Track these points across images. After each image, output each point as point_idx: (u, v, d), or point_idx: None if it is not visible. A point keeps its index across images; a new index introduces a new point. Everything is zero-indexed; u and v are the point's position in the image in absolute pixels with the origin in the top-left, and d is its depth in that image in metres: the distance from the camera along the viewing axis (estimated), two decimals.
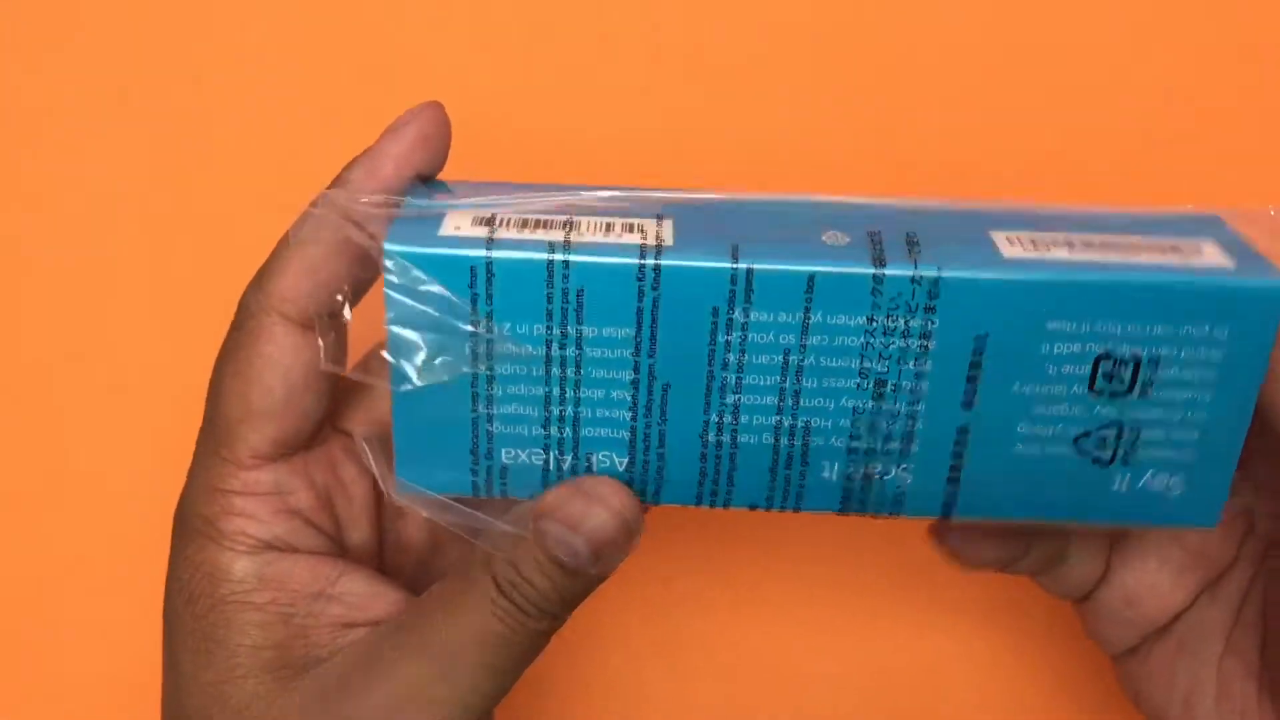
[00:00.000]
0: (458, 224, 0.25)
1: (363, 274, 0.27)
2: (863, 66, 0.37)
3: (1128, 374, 0.25)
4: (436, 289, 0.25)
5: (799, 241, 0.25)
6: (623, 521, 0.26)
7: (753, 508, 0.27)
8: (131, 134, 0.37)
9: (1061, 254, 0.25)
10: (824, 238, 0.25)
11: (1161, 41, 0.37)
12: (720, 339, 0.25)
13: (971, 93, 0.37)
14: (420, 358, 0.25)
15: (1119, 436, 0.26)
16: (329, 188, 0.27)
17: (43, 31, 0.37)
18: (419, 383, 0.25)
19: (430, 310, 0.25)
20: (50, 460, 0.40)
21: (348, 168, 0.27)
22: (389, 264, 0.24)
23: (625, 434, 0.26)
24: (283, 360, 0.27)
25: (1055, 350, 0.25)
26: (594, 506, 0.26)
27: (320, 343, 0.26)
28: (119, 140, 0.38)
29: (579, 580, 0.26)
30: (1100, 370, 0.25)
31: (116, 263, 0.39)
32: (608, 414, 0.26)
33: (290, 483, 0.28)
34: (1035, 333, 0.25)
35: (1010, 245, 0.25)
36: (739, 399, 0.25)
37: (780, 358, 0.25)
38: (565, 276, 0.25)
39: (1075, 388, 0.25)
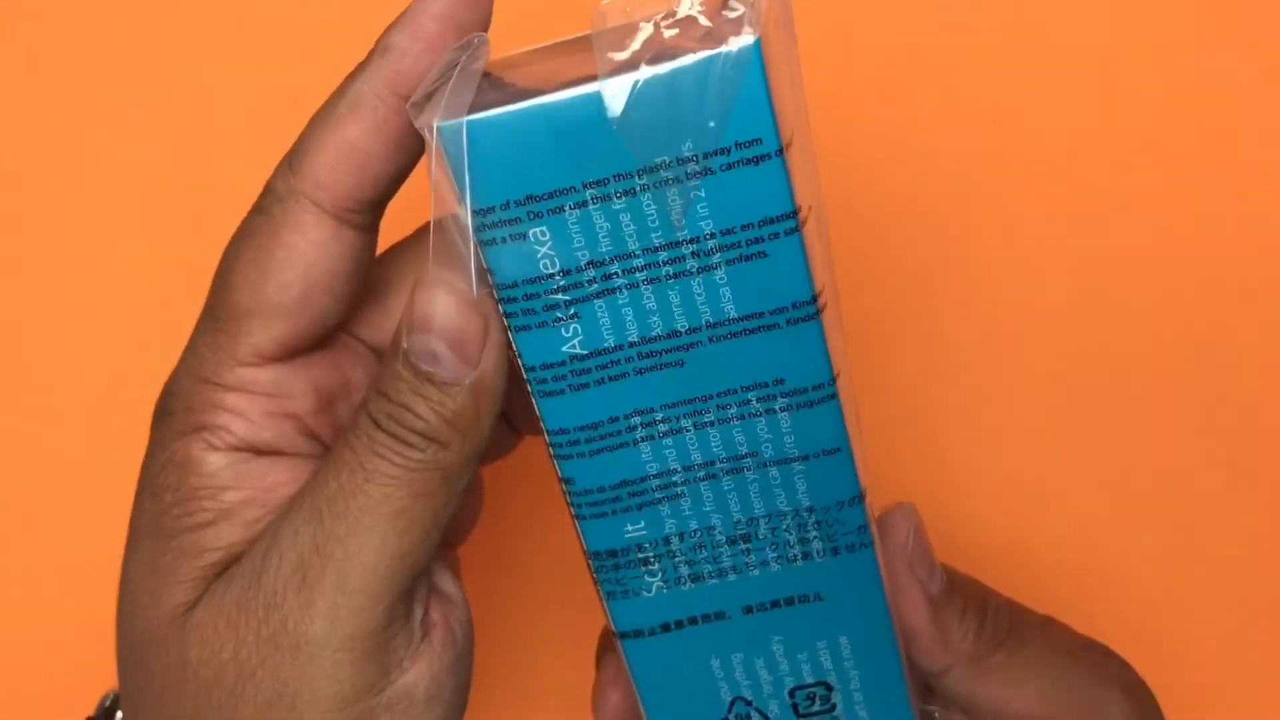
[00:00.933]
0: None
1: (404, 160, 0.24)
2: (862, 70, 0.37)
3: None
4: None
5: None
6: (468, 304, 0.23)
7: None
8: (132, 134, 0.37)
9: None
10: None
11: (1162, 42, 0.37)
12: None
13: (971, 94, 0.37)
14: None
15: None
16: (370, 56, 0.24)
17: (43, 31, 0.37)
18: None
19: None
20: (50, 460, 0.40)
21: (386, 33, 0.24)
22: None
23: None
24: (308, 254, 0.24)
25: None
26: (434, 292, 0.23)
27: (432, 242, 0.23)
28: (119, 140, 0.38)
29: (456, 393, 0.23)
30: None
31: (117, 262, 0.39)
32: None
33: (290, 385, 0.25)
34: None
35: None
36: None
37: None
38: None
39: None
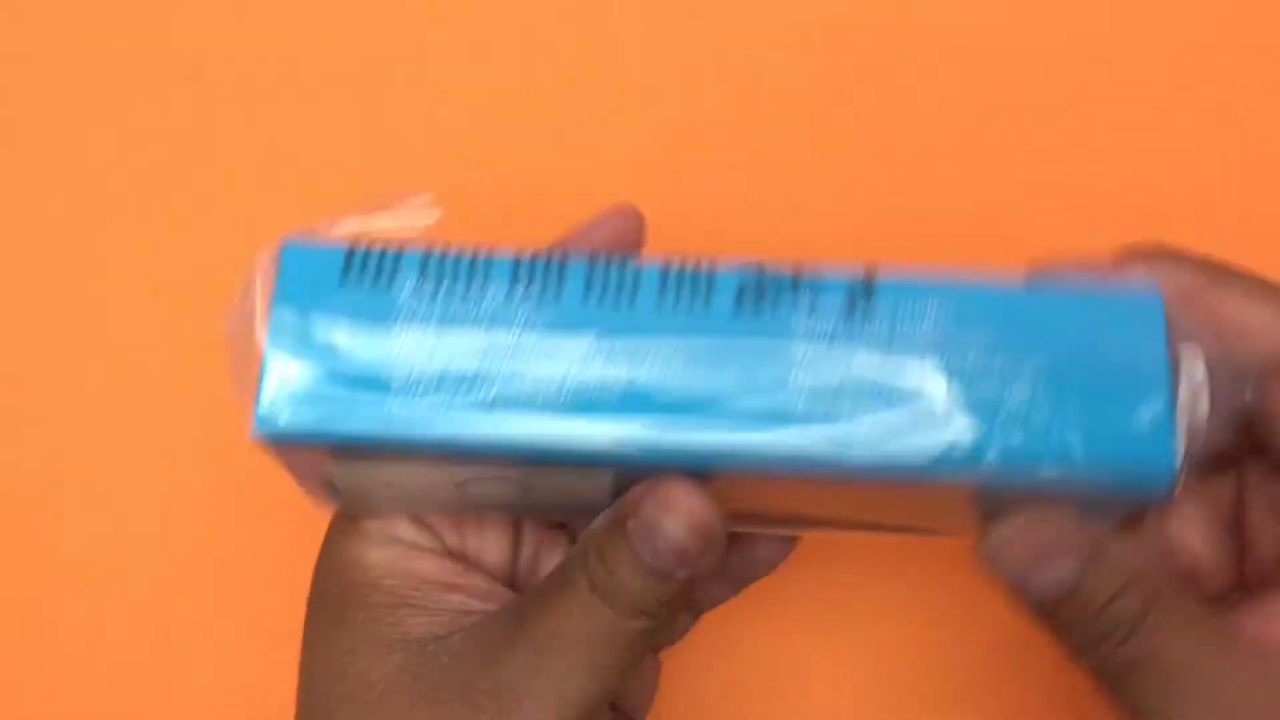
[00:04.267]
0: None
1: None
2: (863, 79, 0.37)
3: None
4: None
5: None
6: (697, 527, 0.25)
7: None
8: (132, 134, 0.37)
9: None
10: None
11: (1162, 42, 0.37)
12: None
13: (971, 97, 0.37)
14: None
15: None
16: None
17: (43, 31, 0.37)
18: None
19: None
20: (50, 460, 0.40)
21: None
22: None
23: None
24: None
25: None
26: (668, 513, 0.25)
27: None
28: (119, 140, 0.38)
29: (669, 582, 0.26)
30: None
31: (116, 262, 0.39)
32: None
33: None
34: None
35: None
36: None
37: None
38: None
39: None
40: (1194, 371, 0.24)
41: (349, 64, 0.37)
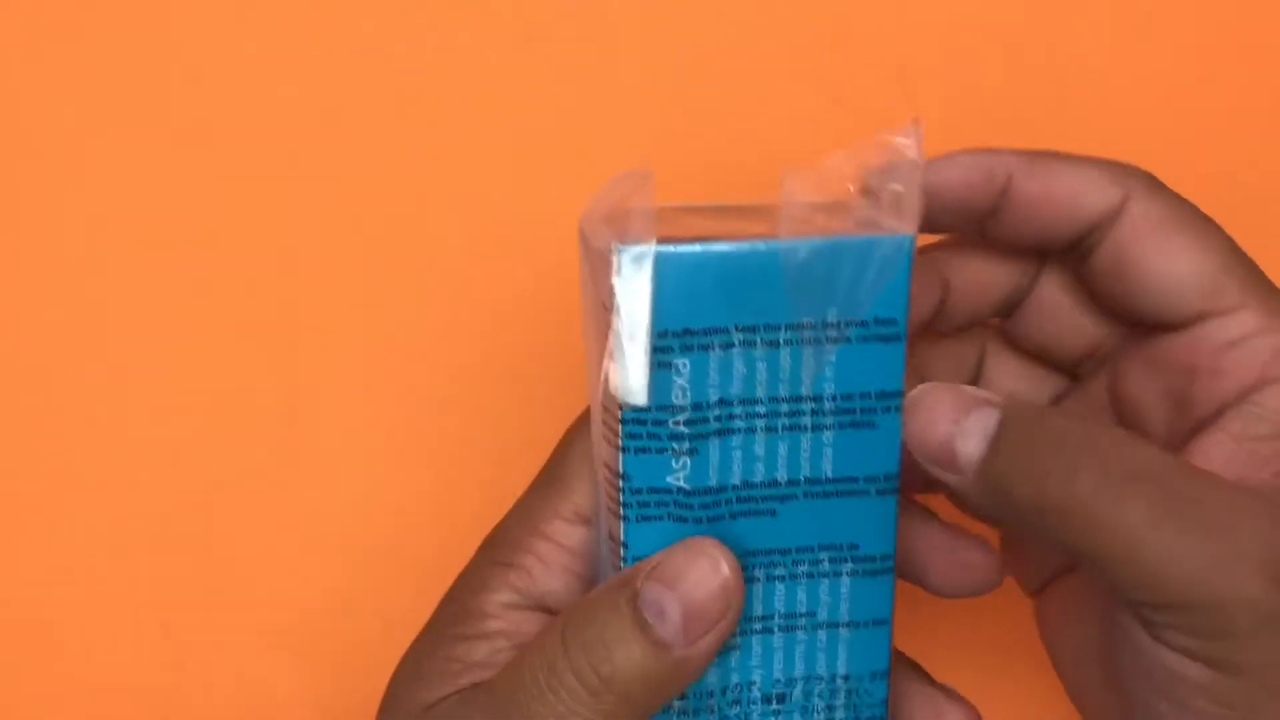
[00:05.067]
0: None
1: None
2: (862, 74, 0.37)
3: None
4: None
5: None
6: (722, 584, 0.24)
7: None
8: (131, 134, 0.38)
9: None
10: None
11: (1161, 43, 0.37)
12: None
13: (970, 94, 0.37)
14: None
15: None
16: None
17: (43, 31, 0.37)
18: None
19: None
20: (50, 460, 0.40)
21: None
22: None
23: None
24: None
25: None
26: (699, 559, 0.25)
27: None
28: (119, 140, 0.38)
29: (662, 657, 0.24)
30: None
31: (116, 262, 0.39)
32: None
33: (587, 548, 0.28)
34: None
35: None
36: None
37: None
38: None
39: None
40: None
41: (349, 64, 0.37)
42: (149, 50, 0.37)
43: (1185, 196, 0.28)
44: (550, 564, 0.27)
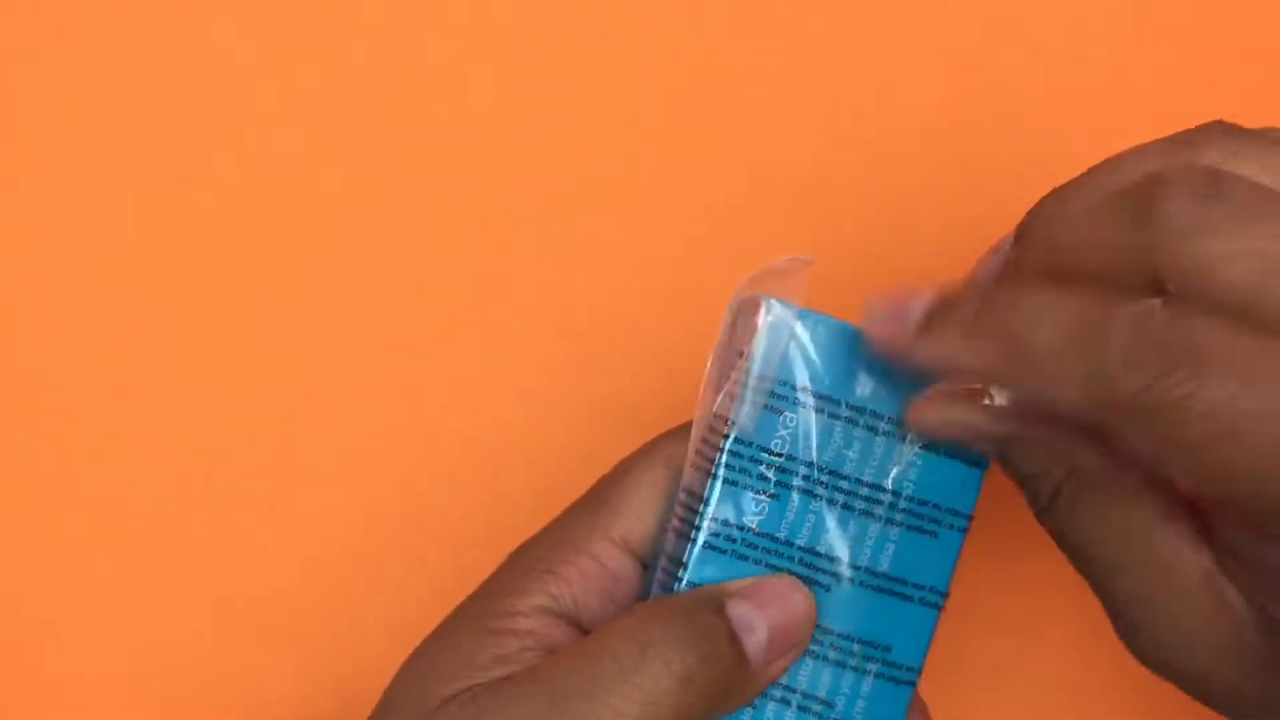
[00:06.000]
0: None
1: None
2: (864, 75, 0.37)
3: None
4: None
5: None
6: (811, 612, 0.26)
7: None
8: (132, 133, 0.37)
9: None
10: None
11: (1162, 43, 0.37)
12: None
13: (971, 94, 0.37)
14: None
15: None
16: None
17: (43, 31, 0.37)
18: None
19: None
20: (50, 460, 0.40)
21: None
22: None
23: None
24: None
25: None
26: (796, 594, 0.26)
27: None
28: (119, 140, 0.38)
29: (735, 667, 0.25)
30: None
31: (117, 262, 0.39)
32: None
33: (632, 576, 0.28)
34: None
35: None
36: None
37: None
38: None
39: None
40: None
41: (349, 64, 0.37)
42: (149, 51, 0.37)
43: None
44: (590, 580, 0.27)
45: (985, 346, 0.24)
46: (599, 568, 0.28)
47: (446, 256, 0.38)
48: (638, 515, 0.28)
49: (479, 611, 0.28)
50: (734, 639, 0.25)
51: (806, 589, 0.26)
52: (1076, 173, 0.26)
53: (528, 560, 0.28)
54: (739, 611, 0.26)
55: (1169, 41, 0.37)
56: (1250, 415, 0.21)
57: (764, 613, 0.26)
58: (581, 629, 0.27)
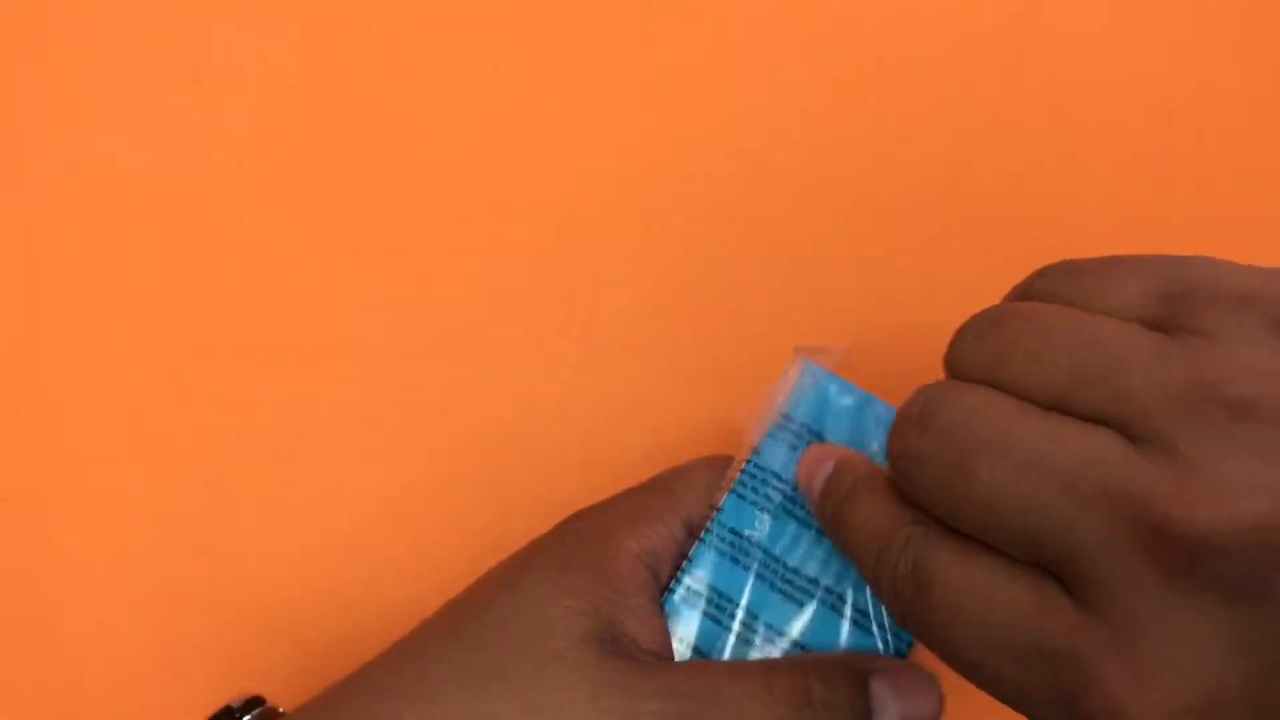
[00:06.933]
0: None
1: None
2: (864, 72, 0.37)
3: None
4: None
5: None
6: (933, 712, 0.29)
7: None
8: (131, 133, 0.38)
9: None
10: None
11: (1162, 44, 0.37)
12: None
13: (972, 94, 0.37)
14: None
15: None
16: None
17: (43, 31, 0.37)
18: None
19: None
20: (50, 460, 0.40)
21: None
22: None
23: None
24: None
25: None
26: (927, 687, 0.29)
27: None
28: (119, 140, 0.38)
29: None
30: None
31: (117, 261, 0.39)
32: None
33: (682, 549, 0.32)
34: None
35: None
36: None
37: None
38: None
39: None
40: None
41: (349, 64, 0.37)
42: (149, 51, 0.37)
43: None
44: (665, 543, 0.31)
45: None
46: (670, 535, 0.31)
47: (447, 257, 0.38)
48: (697, 502, 0.31)
49: (587, 555, 0.30)
50: (869, 716, 0.28)
51: (939, 690, 0.29)
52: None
53: (611, 517, 0.31)
54: (881, 693, 0.28)
55: (1168, 41, 0.37)
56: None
57: (898, 703, 0.28)
58: (657, 577, 0.31)
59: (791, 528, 0.30)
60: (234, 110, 0.37)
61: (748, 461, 0.31)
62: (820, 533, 0.30)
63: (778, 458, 0.31)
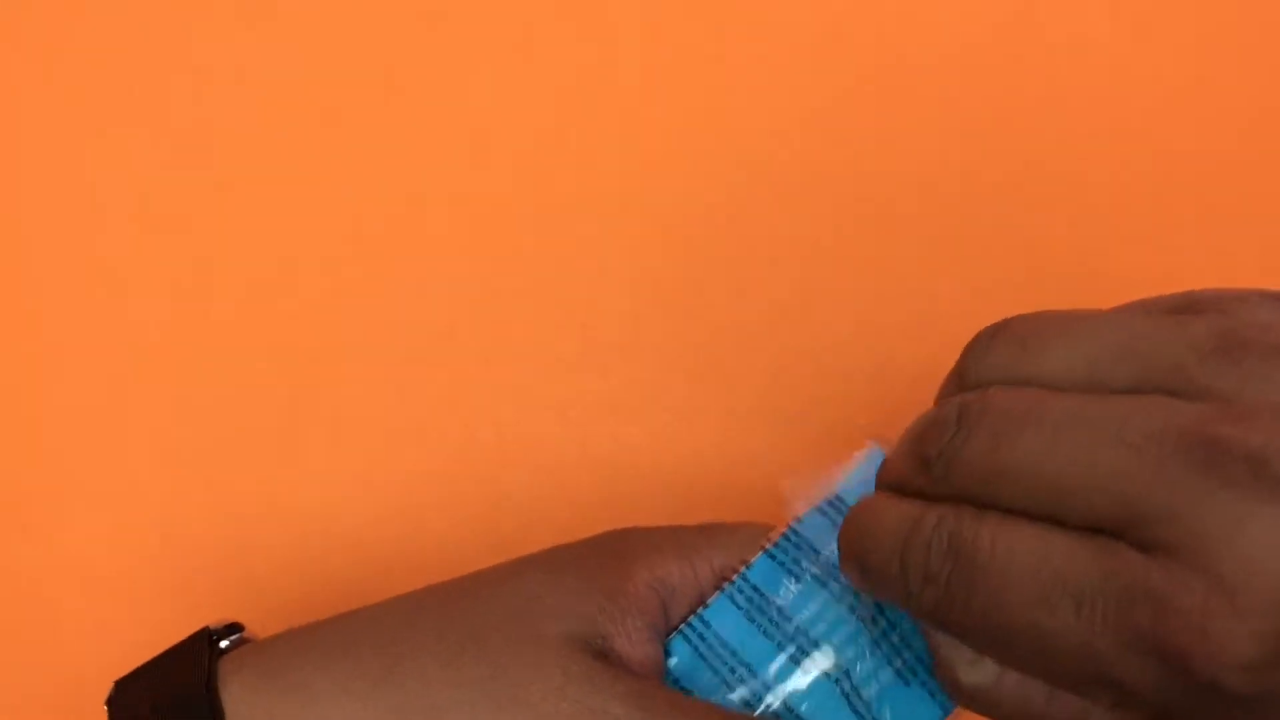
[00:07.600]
0: None
1: None
2: (865, 73, 0.37)
3: None
4: None
5: None
6: None
7: None
8: (131, 133, 0.38)
9: None
10: None
11: (1162, 45, 0.37)
12: None
13: (972, 96, 0.37)
14: None
15: None
16: None
17: (44, 31, 0.37)
18: None
19: None
20: (50, 460, 0.40)
21: None
22: None
23: None
24: None
25: None
26: None
27: None
28: (119, 140, 0.38)
29: None
30: None
31: (118, 261, 0.39)
32: None
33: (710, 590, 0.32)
34: None
35: None
36: None
37: None
38: None
39: None
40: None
41: (349, 64, 0.37)
42: (150, 51, 0.37)
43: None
44: (687, 582, 0.31)
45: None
46: (693, 575, 0.31)
47: (447, 257, 0.38)
48: (733, 556, 0.31)
49: (601, 567, 0.30)
50: None
51: None
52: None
53: (643, 540, 0.31)
54: None
55: (1169, 41, 0.37)
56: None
57: None
58: (667, 610, 0.30)
59: (819, 600, 0.30)
60: (234, 110, 0.37)
61: (789, 527, 0.31)
62: (848, 610, 0.30)
63: (818, 531, 0.30)
